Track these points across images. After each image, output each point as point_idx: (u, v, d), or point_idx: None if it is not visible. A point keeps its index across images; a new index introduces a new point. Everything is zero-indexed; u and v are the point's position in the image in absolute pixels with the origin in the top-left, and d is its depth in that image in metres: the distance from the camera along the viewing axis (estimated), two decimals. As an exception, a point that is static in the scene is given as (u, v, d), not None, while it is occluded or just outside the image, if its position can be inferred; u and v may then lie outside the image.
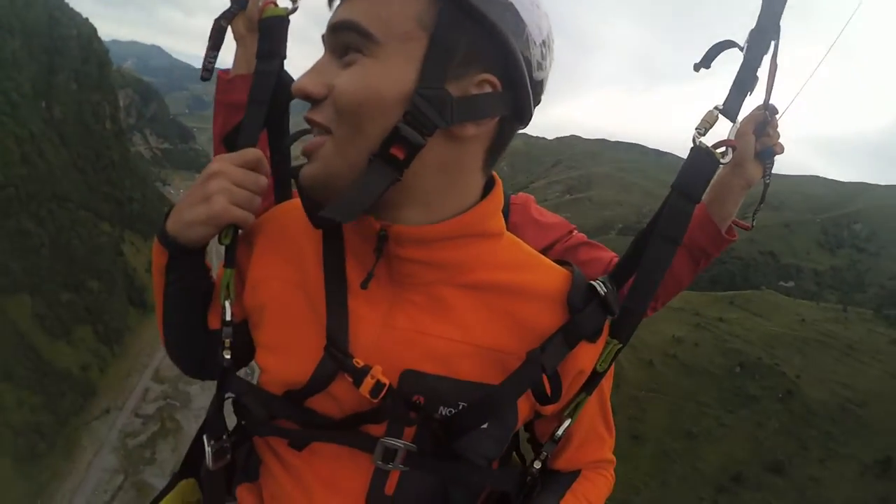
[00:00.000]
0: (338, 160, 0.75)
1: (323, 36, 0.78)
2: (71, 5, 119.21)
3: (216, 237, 0.89)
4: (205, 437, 0.94)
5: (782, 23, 0.99)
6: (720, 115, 0.94)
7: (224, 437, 0.93)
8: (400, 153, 0.72)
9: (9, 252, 71.59)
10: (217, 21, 1.21)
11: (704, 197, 1.30)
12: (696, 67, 1.05)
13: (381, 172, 0.73)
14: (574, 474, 0.97)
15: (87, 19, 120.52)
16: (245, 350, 0.95)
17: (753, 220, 1.37)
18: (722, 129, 0.96)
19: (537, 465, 0.93)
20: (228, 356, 0.91)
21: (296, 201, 0.91)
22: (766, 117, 1.25)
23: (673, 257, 0.91)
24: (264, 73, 0.99)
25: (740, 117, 0.98)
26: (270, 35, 1.02)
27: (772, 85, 1.15)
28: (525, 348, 0.82)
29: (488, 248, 0.86)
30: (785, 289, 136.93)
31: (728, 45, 1.00)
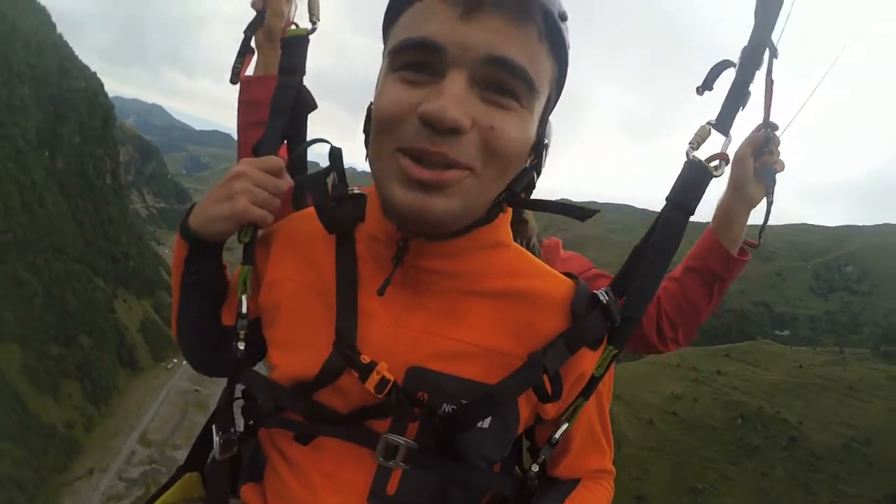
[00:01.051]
0: (479, 198, 0.76)
1: (440, 45, 0.71)
2: (80, 58, 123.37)
3: (235, 235, 0.93)
4: (213, 428, 0.96)
5: (777, 40, 1.04)
6: (713, 130, 0.97)
7: (232, 429, 0.96)
8: (525, 195, 0.81)
9: (2, 299, 71.21)
10: (245, 32, 1.31)
11: (711, 223, 1.35)
12: (700, 91, 1.04)
13: (497, 212, 0.82)
14: (573, 482, 0.98)
15: (95, 73, 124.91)
16: (254, 348, 0.97)
17: (760, 239, 1.38)
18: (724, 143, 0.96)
19: (535, 468, 0.95)
20: (242, 347, 0.94)
21: (310, 210, 0.96)
22: (768, 135, 1.26)
23: (666, 267, 0.93)
24: (286, 87, 1.04)
25: (734, 132, 0.99)
26: (291, 52, 1.06)
27: (769, 101, 1.18)
28: (529, 351, 0.84)
29: (499, 258, 0.89)
30: (781, 338, 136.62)
31: (725, 64, 1.01)
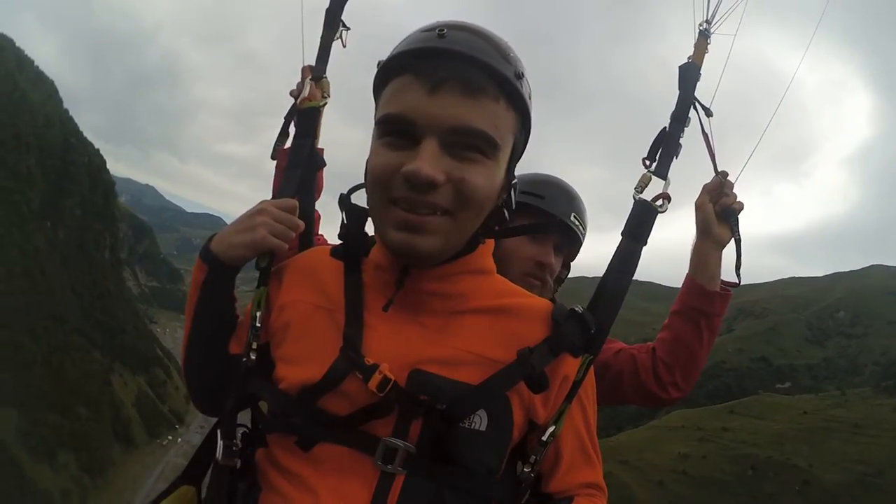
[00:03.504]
0: (458, 236, 0.93)
1: (409, 119, 0.88)
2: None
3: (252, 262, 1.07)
4: (218, 433, 1.03)
5: (710, 103, 1.37)
6: (653, 176, 1.24)
7: (234, 439, 1.02)
8: (499, 227, 1.02)
9: (2, 362, 70.52)
10: (284, 118, 1.45)
11: (689, 268, 1.50)
12: (645, 162, 1.28)
13: (476, 244, 1.00)
14: (567, 501, 1.03)
15: (98, 150, 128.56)
16: (262, 366, 1.03)
17: (739, 277, 1.51)
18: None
19: (527, 469, 1.01)
20: (254, 357, 1.02)
21: (317, 248, 1.17)
22: (720, 181, 1.47)
23: (628, 286, 1.14)
24: (300, 146, 1.27)
25: (671, 176, 1.25)
26: (306, 120, 1.31)
27: (712, 152, 1.45)
28: (515, 355, 0.96)
29: (484, 282, 1.04)
30: (782, 390, 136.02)
31: (662, 133, 1.30)
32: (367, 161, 0.96)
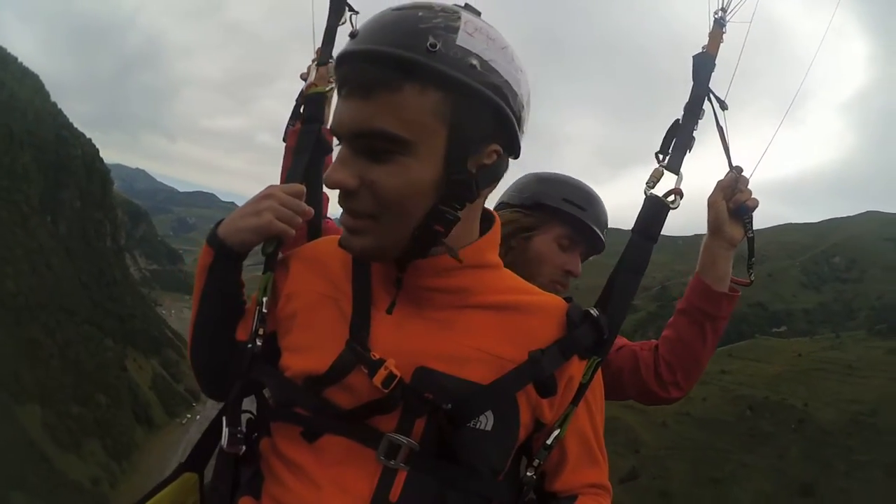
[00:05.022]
0: (386, 238, 0.89)
1: (334, 129, 0.88)
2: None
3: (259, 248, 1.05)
4: (224, 420, 1.01)
5: (725, 95, 1.28)
6: (665, 171, 1.20)
7: (239, 427, 1.00)
8: (441, 228, 0.88)
9: (20, 360, 72.44)
10: (296, 100, 1.50)
11: (698, 267, 1.42)
12: (658, 155, 1.23)
13: (429, 243, 0.91)
14: (571, 499, 1.02)
15: (90, 139, 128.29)
16: (268, 355, 1.02)
17: (751, 275, 1.45)
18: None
19: (530, 473, 0.99)
20: (260, 343, 1.01)
21: (326, 238, 1.14)
22: (734, 177, 1.38)
23: (637, 286, 1.11)
24: (307, 131, 1.28)
25: (684, 171, 1.21)
26: (312, 105, 1.32)
27: (726, 146, 1.37)
28: (526, 355, 0.93)
29: (491, 277, 1.00)
30: (778, 334, 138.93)
31: (675, 125, 1.25)
32: None
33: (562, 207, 1.56)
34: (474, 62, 0.82)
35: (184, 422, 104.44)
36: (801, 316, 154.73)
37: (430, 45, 0.80)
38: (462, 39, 0.82)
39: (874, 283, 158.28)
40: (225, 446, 0.99)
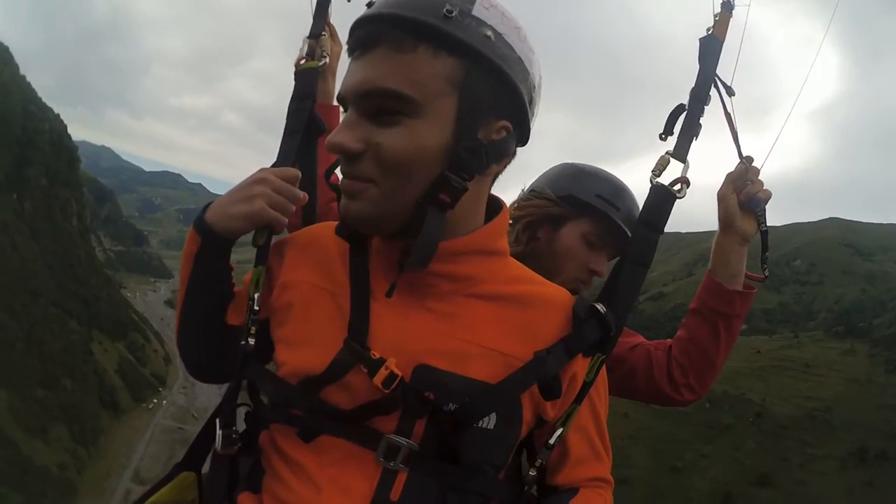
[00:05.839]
0: (386, 205, 0.84)
1: (341, 95, 0.85)
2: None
3: (250, 237, 0.99)
4: (217, 422, 0.98)
5: (730, 80, 1.22)
6: (672, 159, 1.13)
7: (234, 427, 0.98)
8: (447, 197, 0.84)
9: (-15, 343, 70.39)
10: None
11: (710, 264, 1.37)
12: (662, 136, 1.17)
13: (433, 216, 0.84)
14: (572, 491, 1.00)
15: (58, 115, 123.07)
16: (261, 348, 0.99)
17: (765, 270, 1.38)
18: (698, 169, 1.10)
19: (532, 472, 0.98)
20: (252, 342, 0.96)
21: (323, 224, 1.07)
22: (745, 167, 1.32)
23: (643, 279, 1.05)
24: (298, 110, 1.17)
25: (690, 158, 1.13)
26: (304, 81, 1.22)
27: (736, 136, 1.31)
28: (530, 352, 0.89)
29: (497, 265, 0.96)
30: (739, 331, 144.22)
31: (680, 108, 1.17)
32: None
33: (594, 203, 1.50)
34: (489, 33, 0.82)
35: (150, 406, 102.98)
36: (761, 315, 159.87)
37: (446, 10, 0.80)
38: (478, 11, 0.82)
39: (833, 286, 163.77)
40: (219, 448, 0.97)
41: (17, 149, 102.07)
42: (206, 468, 1.08)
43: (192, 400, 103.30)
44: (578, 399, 0.95)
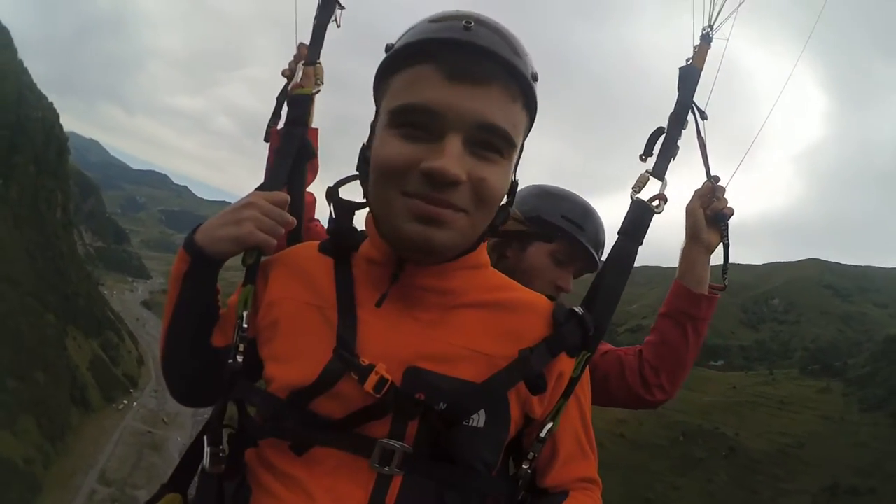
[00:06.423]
0: (471, 233, 0.91)
1: (434, 110, 0.83)
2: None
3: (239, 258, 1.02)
4: (205, 440, 0.98)
5: (705, 105, 1.36)
6: (651, 177, 1.26)
7: (221, 446, 0.98)
8: (502, 226, 0.99)
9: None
10: (277, 98, 1.38)
11: (677, 272, 1.49)
12: (643, 157, 1.27)
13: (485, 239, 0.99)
14: (563, 494, 1.03)
15: (52, 103, 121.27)
16: (249, 366, 1.00)
17: (725, 280, 1.51)
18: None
19: (525, 466, 1.01)
20: (241, 360, 0.97)
21: (306, 244, 1.10)
22: (712, 186, 1.45)
23: (624, 285, 1.15)
24: (291, 134, 1.23)
25: (668, 177, 1.27)
26: (297, 107, 1.26)
27: (706, 157, 1.44)
28: (515, 352, 0.95)
29: (480, 276, 1.02)
30: (715, 367, 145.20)
31: (659, 131, 1.30)
32: (370, 150, 0.93)
33: (559, 224, 1.60)
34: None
35: (120, 407, 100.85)
36: (738, 352, 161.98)
37: (534, 75, 0.90)
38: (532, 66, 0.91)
39: (810, 326, 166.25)
40: (207, 467, 0.97)
41: (7, 133, 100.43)
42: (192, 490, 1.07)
43: (162, 404, 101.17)
44: (566, 394, 1.00)
